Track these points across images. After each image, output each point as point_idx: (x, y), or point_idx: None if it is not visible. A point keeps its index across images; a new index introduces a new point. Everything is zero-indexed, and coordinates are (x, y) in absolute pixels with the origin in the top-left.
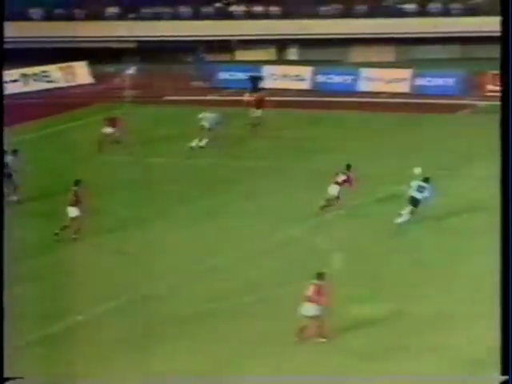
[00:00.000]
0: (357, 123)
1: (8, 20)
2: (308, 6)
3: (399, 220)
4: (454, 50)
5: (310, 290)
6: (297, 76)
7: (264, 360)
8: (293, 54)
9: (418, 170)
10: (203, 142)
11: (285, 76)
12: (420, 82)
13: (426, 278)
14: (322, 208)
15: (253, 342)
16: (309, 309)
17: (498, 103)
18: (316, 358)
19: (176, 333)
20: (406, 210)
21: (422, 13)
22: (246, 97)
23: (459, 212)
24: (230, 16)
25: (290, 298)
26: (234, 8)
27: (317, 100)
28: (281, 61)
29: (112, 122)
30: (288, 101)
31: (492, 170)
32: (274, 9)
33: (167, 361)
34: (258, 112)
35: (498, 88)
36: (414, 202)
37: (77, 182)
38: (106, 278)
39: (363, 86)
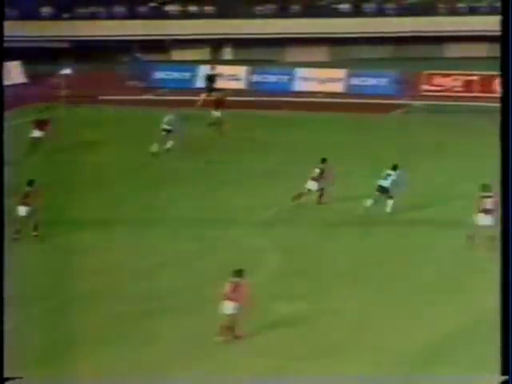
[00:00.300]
0: (295, 123)
1: None
2: (243, 5)
3: (367, 203)
4: (387, 50)
5: (227, 288)
6: (232, 76)
7: (190, 360)
8: (228, 53)
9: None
10: (168, 145)
11: (220, 76)
12: (354, 81)
13: (363, 278)
14: (295, 201)
15: (186, 341)
16: (227, 307)
17: (433, 103)
18: (234, 357)
19: (111, 332)
20: (372, 197)
21: (357, 13)
22: (203, 97)
23: (398, 212)
24: (165, 15)
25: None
26: (169, 7)
27: (253, 100)
28: (216, 60)
29: (40, 125)
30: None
31: (426, 168)
32: (208, 8)
33: (100, 361)
34: (218, 113)
35: (432, 88)
36: (382, 189)
37: (30, 182)
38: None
39: (298, 85)
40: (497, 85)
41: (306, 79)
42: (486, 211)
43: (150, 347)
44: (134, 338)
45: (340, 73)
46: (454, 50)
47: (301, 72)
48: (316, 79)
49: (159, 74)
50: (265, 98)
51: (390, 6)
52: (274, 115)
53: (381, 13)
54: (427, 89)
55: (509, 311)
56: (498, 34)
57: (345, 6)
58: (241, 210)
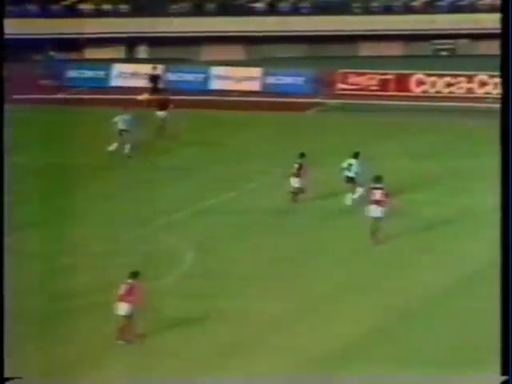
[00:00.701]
0: (212, 121)
1: None
2: (158, 3)
3: (349, 201)
4: (303, 49)
5: (121, 289)
6: (146, 74)
7: (94, 361)
8: (143, 52)
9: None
10: (127, 149)
11: (135, 74)
12: (270, 80)
13: (284, 275)
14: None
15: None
16: (122, 308)
17: (349, 101)
18: (136, 358)
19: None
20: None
21: (272, 12)
22: (145, 96)
23: (315, 210)
24: (79, 14)
25: None
26: (83, 6)
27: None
28: (130, 59)
29: None
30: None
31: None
32: (123, 6)
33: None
34: (163, 113)
35: (347, 86)
36: (349, 180)
37: None
38: None
39: (214, 84)
40: (412, 83)
41: (221, 78)
42: (377, 202)
43: (57, 347)
44: (42, 338)
45: (256, 71)
46: (369, 49)
47: (216, 71)
48: (232, 78)
49: (72, 73)
50: (181, 97)
51: (304, 4)
52: (190, 114)
53: (296, 12)
54: (343, 87)
55: (509, 311)
56: (413, 32)
57: (260, 5)
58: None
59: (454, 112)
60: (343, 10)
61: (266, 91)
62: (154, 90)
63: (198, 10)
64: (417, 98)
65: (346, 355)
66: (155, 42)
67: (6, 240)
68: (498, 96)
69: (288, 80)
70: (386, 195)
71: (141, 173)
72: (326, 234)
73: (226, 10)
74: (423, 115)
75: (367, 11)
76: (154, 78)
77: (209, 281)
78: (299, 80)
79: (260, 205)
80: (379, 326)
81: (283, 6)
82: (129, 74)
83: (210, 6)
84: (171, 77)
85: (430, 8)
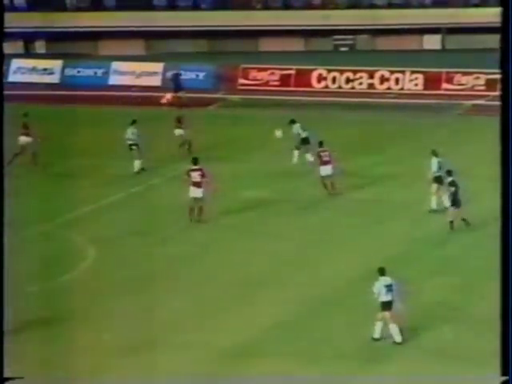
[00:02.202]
0: (111, 117)
1: None
2: None
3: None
4: (204, 44)
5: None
6: (45, 70)
7: None
8: (41, 47)
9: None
10: (137, 166)
11: (33, 69)
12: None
13: (182, 273)
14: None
15: None
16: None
17: (249, 97)
18: None
19: None
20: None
21: (171, 6)
22: (169, 96)
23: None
24: None
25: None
26: None
27: (66, 94)
28: (29, 54)
29: None
30: (36, 95)
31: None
32: (20, 1)
33: None
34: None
35: (248, 82)
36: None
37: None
38: None
39: (114, 79)
40: (313, 79)
41: (121, 73)
42: (325, 163)
43: None
44: None
45: (157, 66)
46: (269, 44)
47: (116, 66)
48: (132, 73)
49: None
50: (79, 93)
51: None
52: (88, 110)
53: (196, 6)
54: (243, 83)
55: (509, 311)
56: (313, 28)
57: (160, 0)
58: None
59: (355, 107)
60: (244, 5)
61: (167, 87)
62: (176, 90)
63: (96, 4)
64: (317, 93)
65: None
66: (53, 36)
67: None
68: (399, 92)
69: (189, 75)
70: (331, 156)
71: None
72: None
73: (124, 3)
74: (324, 110)
75: (268, 6)
76: (175, 77)
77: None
78: (200, 75)
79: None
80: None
81: (183, 0)
82: (27, 70)
83: (109, 0)
84: (69, 72)
85: (329, 4)
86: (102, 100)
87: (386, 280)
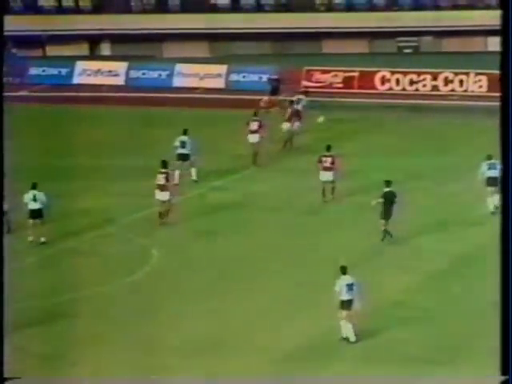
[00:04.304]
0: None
1: None
2: (120, 0)
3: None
4: (267, 46)
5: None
6: (110, 71)
7: None
8: (106, 49)
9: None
10: (194, 174)
11: (98, 72)
12: (235, 77)
13: None
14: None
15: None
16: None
17: (314, 99)
18: None
19: None
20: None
21: (235, 8)
22: (265, 100)
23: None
24: (39, 10)
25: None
26: (42, 3)
27: (132, 96)
28: (93, 56)
29: None
30: (103, 96)
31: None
32: (84, 4)
33: None
34: (289, 125)
35: (312, 84)
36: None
37: None
38: None
39: (178, 81)
40: (377, 81)
41: (185, 75)
42: (327, 169)
43: None
44: None
45: (220, 69)
46: (332, 46)
47: (180, 68)
48: (196, 75)
49: (35, 71)
50: (144, 94)
51: (268, 1)
52: (154, 111)
53: (260, 9)
54: (307, 85)
55: (509, 311)
56: (377, 29)
57: (224, 1)
58: None
59: (420, 109)
60: (307, 7)
61: (230, 89)
62: (273, 93)
63: (160, 6)
64: (381, 95)
65: None
66: (118, 38)
67: None
68: (463, 93)
69: (252, 77)
70: (333, 162)
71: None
72: None
73: (188, 6)
74: (388, 112)
75: (331, 8)
76: (273, 81)
77: None
78: (264, 77)
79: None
80: None
81: (247, 2)
82: (92, 72)
83: (173, 2)
84: (134, 74)
85: (393, 5)
86: (166, 102)
87: (347, 279)
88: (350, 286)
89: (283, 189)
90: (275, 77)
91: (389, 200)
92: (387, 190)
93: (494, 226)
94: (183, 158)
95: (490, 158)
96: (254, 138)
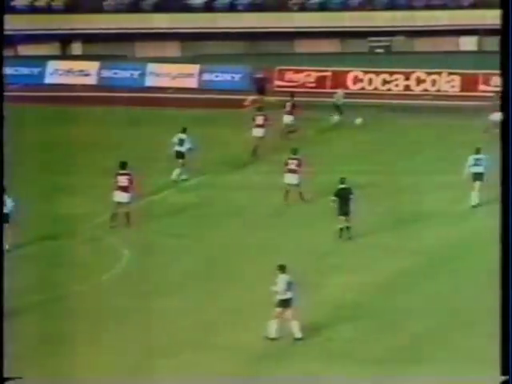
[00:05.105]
0: (145, 119)
1: None
2: (92, 0)
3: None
4: (239, 46)
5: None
6: (82, 71)
7: None
8: (77, 48)
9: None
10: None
11: (69, 71)
12: (207, 77)
13: None
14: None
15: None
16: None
17: (285, 98)
18: None
19: None
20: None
21: (208, 8)
22: (251, 99)
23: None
24: (12, 10)
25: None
26: (15, 2)
27: (103, 95)
28: (65, 56)
29: None
30: (75, 96)
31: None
32: (56, 3)
33: None
34: (290, 117)
35: (284, 83)
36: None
37: None
38: None
39: (150, 81)
40: (349, 80)
41: (157, 75)
42: (291, 171)
43: None
44: None
45: (192, 68)
46: (305, 46)
47: (152, 67)
48: (168, 75)
49: (8, 70)
50: (116, 94)
51: (240, 1)
52: (126, 111)
53: (232, 8)
54: (279, 84)
55: (509, 311)
56: (349, 29)
57: (196, 1)
58: None
59: (392, 109)
60: (279, 6)
61: (203, 88)
62: (260, 92)
63: (133, 6)
64: (354, 94)
65: None
66: (90, 38)
67: None
68: (435, 93)
69: (226, 77)
70: (299, 164)
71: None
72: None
73: (161, 5)
74: (361, 112)
75: (303, 8)
76: (258, 81)
77: None
78: (236, 77)
79: None
80: None
81: (219, 2)
82: (64, 71)
83: (145, 2)
84: (105, 73)
85: (366, 5)
86: (138, 101)
87: (284, 278)
88: (288, 285)
89: (251, 189)
90: (260, 76)
91: (343, 197)
92: (341, 186)
93: (475, 221)
94: (181, 155)
95: (478, 151)
96: (258, 132)
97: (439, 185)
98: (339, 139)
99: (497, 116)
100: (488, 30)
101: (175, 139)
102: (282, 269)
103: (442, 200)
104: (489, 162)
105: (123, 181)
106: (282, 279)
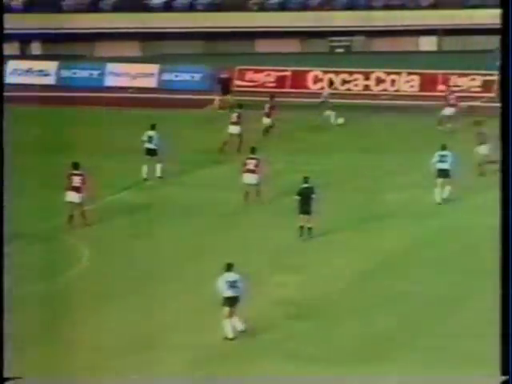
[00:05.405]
0: (104, 119)
1: None
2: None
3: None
4: (200, 46)
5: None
6: (41, 71)
7: None
8: (36, 48)
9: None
10: (158, 170)
11: (29, 71)
12: (167, 77)
13: None
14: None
15: None
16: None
17: (247, 98)
18: None
19: None
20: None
21: (168, 8)
22: (217, 99)
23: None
24: None
25: None
26: None
27: (63, 95)
28: (25, 56)
29: None
30: (33, 96)
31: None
32: (15, 3)
33: None
34: (269, 120)
35: (244, 83)
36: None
37: None
38: None
39: (110, 80)
40: (309, 80)
41: (117, 74)
42: (250, 171)
43: None
44: None
45: (152, 68)
46: (265, 46)
47: (112, 67)
48: (128, 74)
49: None
50: (75, 94)
51: (200, 1)
52: (86, 111)
53: (192, 8)
54: (239, 84)
55: (509, 311)
56: (311, 29)
57: (156, 1)
58: None
59: (352, 108)
60: (240, 6)
61: (163, 88)
62: (225, 92)
63: (92, 6)
64: (313, 94)
65: None
66: (49, 38)
67: None
68: (395, 93)
69: (185, 77)
70: (258, 165)
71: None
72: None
73: (120, 5)
74: (321, 111)
75: (263, 8)
76: (223, 81)
77: None
78: (196, 77)
79: None
80: None
81: (179, 2)
82: (23, 71)
83: (105, 2)
84: (65, 73)
85: (325, 5)
86: (98, 101)
87: (230, 276)
88: (232, 283)
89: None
90: (225, 76)
91: (306, 195)
92: (304, 185)
93: (440, 218)
94: (151, 152)
95: (444, 148)
96: (234, 130)
97: (401, 183)
98: (300, 139)
99: (448, 111)
100: (447, 30)
101: (144, 137)
102: (229, 267)
103: (403, 198)
104: (454, 158)
105: (76, 181)
106: (228, 277)
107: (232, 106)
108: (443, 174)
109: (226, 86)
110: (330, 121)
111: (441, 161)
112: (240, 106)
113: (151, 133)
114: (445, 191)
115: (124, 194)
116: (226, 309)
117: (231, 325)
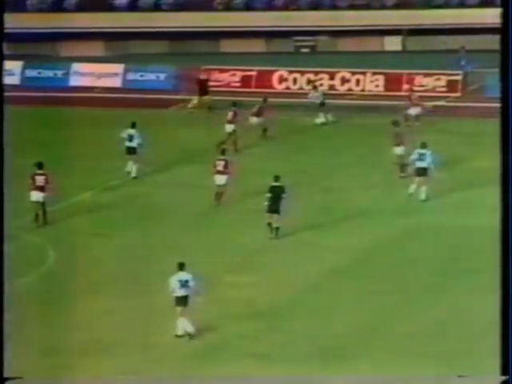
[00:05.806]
0: (70, 119)
1: None
2: None
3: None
4: (164, 45)
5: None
6: (5, 71)
7: None
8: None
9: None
10: (134, 170)
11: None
12: (132, 76)
13: None
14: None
15: None
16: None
17: (213, 98)
18: None
19: None
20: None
21: (133, 7)
22: (195, 102)
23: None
24: None
25: None
26: None
27: (27, 95)
28: None
29: None
30: None
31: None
32: None
33: None
34: (259, 120)
35: (210, 83)
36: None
37: None
38: None
39: (75, 80)
40: (275, 80)
41: (82, 74)
42: (219, 172)
43: None
44: None
45: (117, 68)
46: (231, 46)
47: (77, 67)
48: (92, 74)
49: None
50: (40, 94)
51: (165, 0)
52: (51, 111)
53: (157, 8)
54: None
55: (509, 312)
56: (274, 29)
57: (120, 1)
58: None
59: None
60: (204, 6)
61: (128, 88)
62: (203, 94)
63: (57, 6)
64: (279, 94)
65: None
66: (13, 38)
67: None
68: (360, 93)
69: (150, 76)
70: (227, 165)
71: None
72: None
73: (85, 5)
74: (286, 111)
75: (229, 7)
76: (201, 82)
77: None
78: (161, 76)
79: None
80: None
81: (143, 1)
82: None
83: (70, 2)
84: (29, 73)
85: (290, 5)
86: (62, 101)
87: (182, 275)
88: (183, 282)
89: (183, 189)
90: (204, 77)
91: (276, 194)
92: (275, 184)
93: (411, 217)
94: (131, 151)
95: (423, 146)
96: (229, 128)
97: (370, 183)
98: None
99: (413, 110)
100: (412, 30)
101: (124, 134)
102: (181, 266)
103: (372, 198)
104: (433, 157)
105: (40, 181)
106: (179, 277)
107: (210, 106)
108: (421, 171)
109: (203, 87)
110: (316, 122)
111: (419, 159)
112: (234, 104)
113: (131, 131)
114: (421, 192)
115: (89, 194)
116: (178, 308)
117: (180, 324)
